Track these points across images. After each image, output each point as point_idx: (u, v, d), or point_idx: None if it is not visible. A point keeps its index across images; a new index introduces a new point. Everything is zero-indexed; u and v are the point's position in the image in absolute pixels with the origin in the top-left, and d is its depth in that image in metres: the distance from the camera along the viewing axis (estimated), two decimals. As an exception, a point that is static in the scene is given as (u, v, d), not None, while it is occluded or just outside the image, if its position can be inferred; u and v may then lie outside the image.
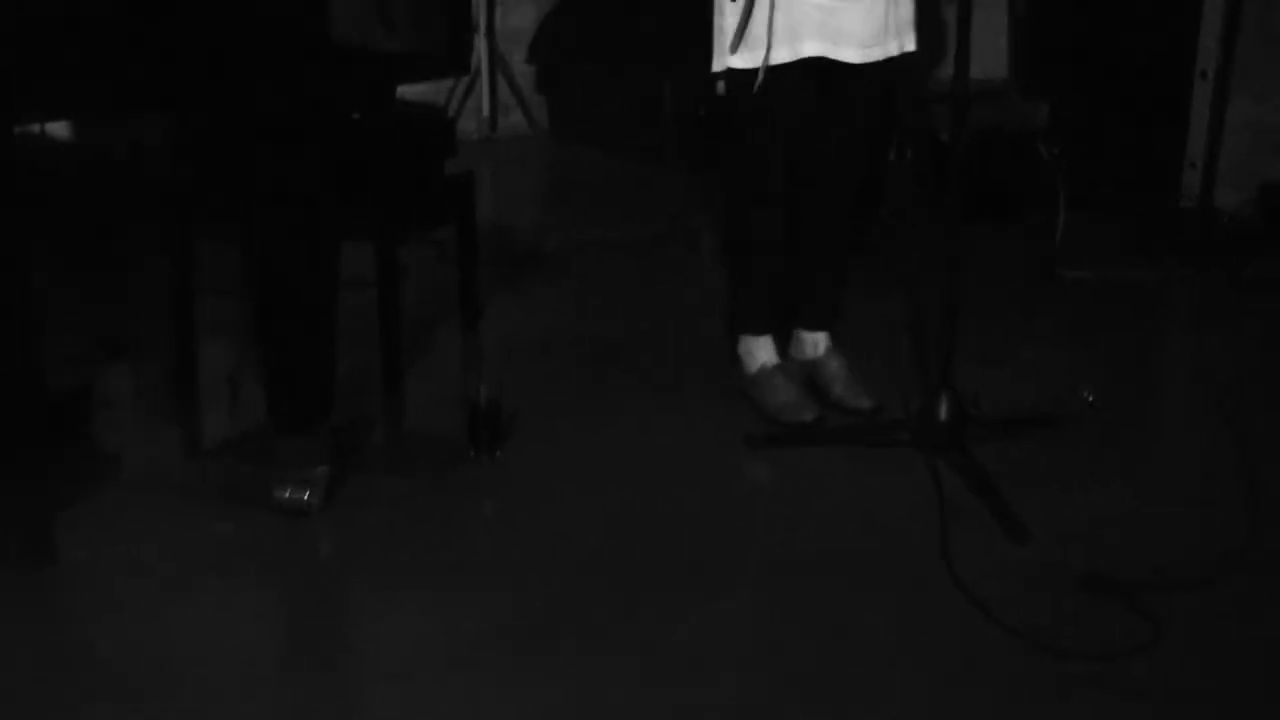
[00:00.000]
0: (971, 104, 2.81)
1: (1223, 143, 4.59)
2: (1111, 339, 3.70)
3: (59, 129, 4.64)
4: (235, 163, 2.57)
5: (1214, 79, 4.59)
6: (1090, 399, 3.15)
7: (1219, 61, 4.61)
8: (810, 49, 2.87)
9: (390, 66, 2.86)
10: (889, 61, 2.97)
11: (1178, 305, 4.08)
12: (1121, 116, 4.76)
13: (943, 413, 2.88)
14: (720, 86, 3.05)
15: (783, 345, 3.21)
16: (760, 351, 3.16)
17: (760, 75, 2.82)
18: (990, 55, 4.41)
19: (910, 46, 2.99)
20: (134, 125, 4.25)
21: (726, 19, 2.87)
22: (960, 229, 2.87)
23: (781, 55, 2.86)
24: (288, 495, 2.64)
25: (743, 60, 2.87)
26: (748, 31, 2.83)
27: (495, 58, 6.06)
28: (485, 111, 6.06)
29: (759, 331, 3.16)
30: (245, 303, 2.79)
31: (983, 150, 4.17)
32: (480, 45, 6.04)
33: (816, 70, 2.90)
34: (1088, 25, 4.86)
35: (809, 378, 3.19)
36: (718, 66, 2.92)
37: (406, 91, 3.40)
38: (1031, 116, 4.41)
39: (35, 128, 4.18)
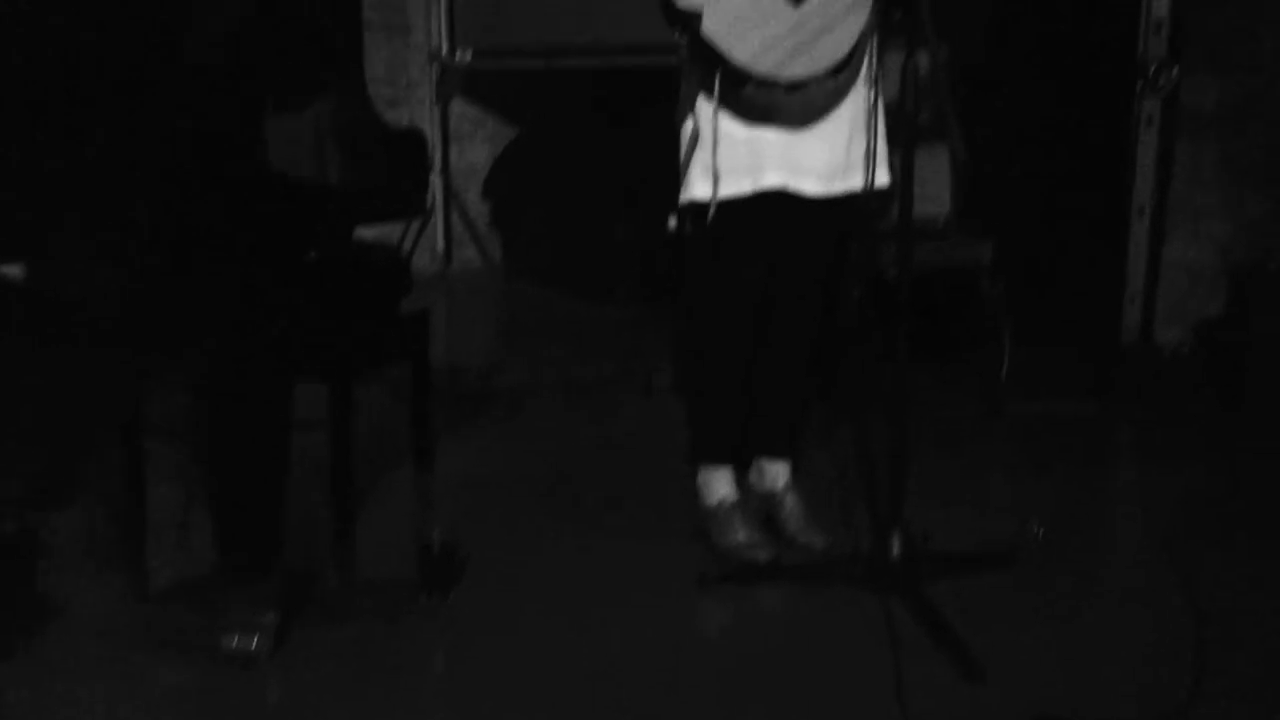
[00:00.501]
0: (916, 242, 2.86)
1: (1161, 280, 4.70)
2: (1059, 474, 3.74)
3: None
4: (184, 302, 2.58)
5: (1150, 217, 4.72)
6: (1040, 533, 3.18)
7: (1155, 200, 4.74)
8: (771, 180, 2.89)
9: (344, 207, 2.88)
10: (851, 197, 3.00)
11: (1122, 441, 4.14)
12: (1063, 254, 4.87)
13: (894, 550, 2.90)
14: (672, 223, 3.09)
15: (742, 475, 3.22)
16: (718, 484, 3.17)
17: (712, 207, 2.85)
18: (933, 194, 4.51)
19: (883, 179, 3.01)
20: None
21: (690, 151, 2.90)
22: (907, 366, 2.91)
23: (743, 186, 2.89)
24: (235, 643, 2.61)
25: (705, 191, 2.89)
26: (710, 163, 2.86)
27: (450, 194, 6.14)
28: (439, 247, 6.11)
29: (717, 462, 3.17)
30: (194, 445, 2.77)
31: (927, 288, 4.24)
32: (435, 181, 6.12)
33: (778, 202, 2.93)
34: (1028, 164, 4.99)
35: (766, 513, 3.20)
36: (683, 199, 2.95)
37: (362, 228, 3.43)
38: (975, 254, 4.49)
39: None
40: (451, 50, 6.04)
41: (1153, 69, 4.67)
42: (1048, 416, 4.14)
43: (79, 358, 3.90)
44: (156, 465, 3.24)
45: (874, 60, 2.91)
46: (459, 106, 6.28)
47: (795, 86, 2.72)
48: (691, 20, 2.68)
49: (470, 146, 6.32)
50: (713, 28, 2.67)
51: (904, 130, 2.80)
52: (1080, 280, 4.82)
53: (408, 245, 4.12)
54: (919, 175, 2.91)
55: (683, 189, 2.91)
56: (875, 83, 2.91)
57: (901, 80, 2.74)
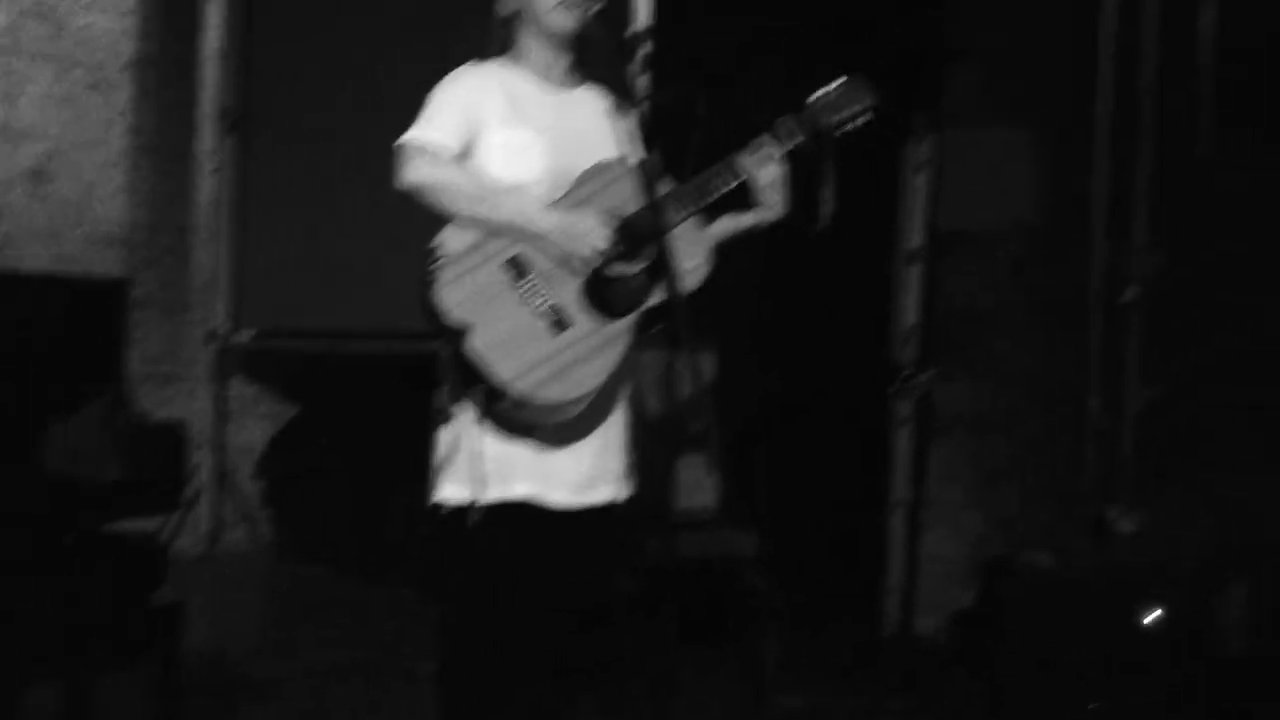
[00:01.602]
0: (682, 533, 2.92)
1: (919, 572, 4.89)
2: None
3: None
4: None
5: (907, 512, 4.94)
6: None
7: (911, 496, 4.97)
8: (520, 490, 2.93)
9: (92, 501, 2.82)
10: (603, 507, 3.03)
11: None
12: (827, 546, 5.03)
13: None
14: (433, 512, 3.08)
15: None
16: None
17: (471, 514, 2.86)
18: (702, 485, 4.63)
19: (624, 494, 3.06)
20: None
21: (440, 451, 2.93)
22: (673, 657, 2.93)
23: (492, 494, 2.91)
24: None
25: (454, 495, 2.89)
26: (462, 468, 2.88)
27: (222, 473, 6.04)
28: (206, 529, 5.96)
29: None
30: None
31: (694, 579, 4.32)
32: (207, 460, 6.02)
33: (529, 512, 2.96)
34: (792, 458, 5.19)
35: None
36: (433, 499, 2.95)
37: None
38: (740, 545, 4.60)
39: None
40: (232, 329, 6.04)
41: (906, 372, 4.98)
42: (813, 708, 4.19)
43: None
44: None
45: (630, 380, 3.02)
46: (237, 385, 6.24)
47: (551, 407, 2.81)
48: (456, 335, 2.75)
49: (247, 425, 6.26)
50: (477, 346, 2.75)
51: (665, 437, 2.90)
52: (843, 571, 4.97)
53: (165, 535, 4.06)
54: (685, 471, 3.01)
55: (433, 490, 2.93)
56: (630, 399, 3.02)
57: (661, 390, 2.85)
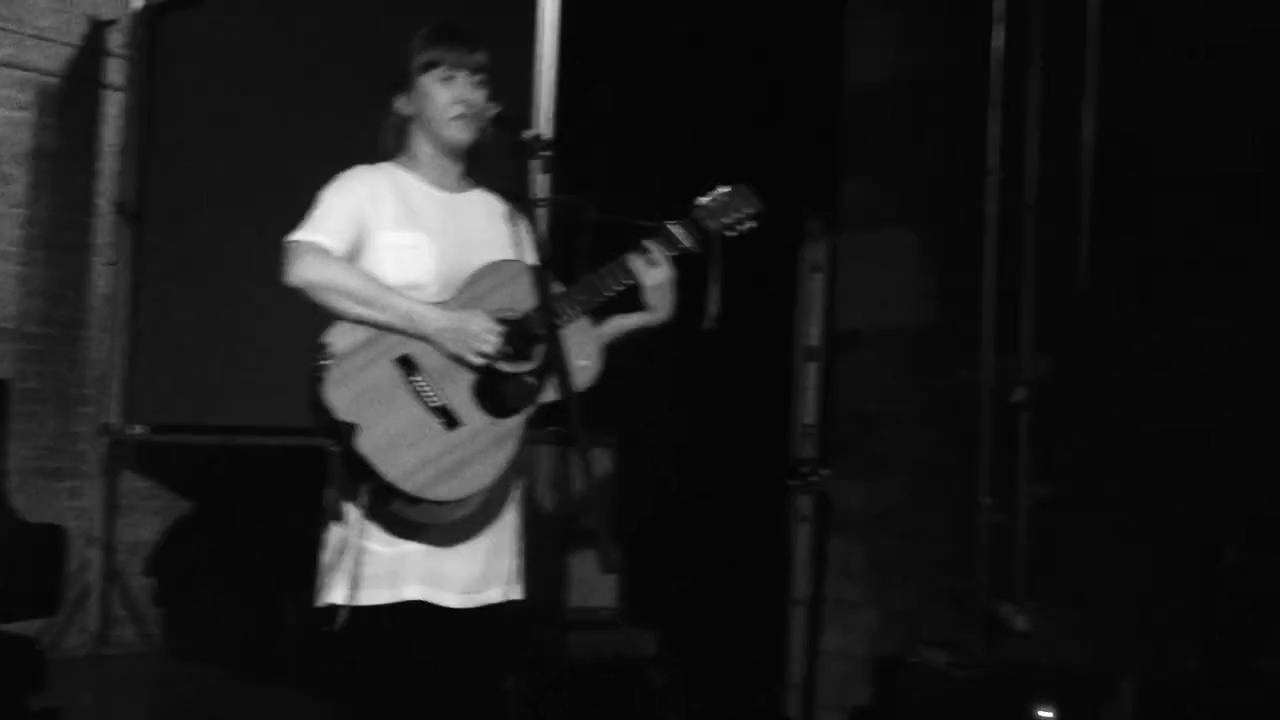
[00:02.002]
0: (579, 632, 2.89)
1: (819, 669, 4.89)
2: None
3: None
4: None
5: (807, 608, 4.94)
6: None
7: (811, 593, 4.98)
8: (410, 592, 2.89)
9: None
10: (495, 608, 3.00)
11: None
12: (728, 643, 5.02)
13: None
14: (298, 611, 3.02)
15: None
16: None
17: (343, 614, 2.80)
18: (599, 583, 4.61)
19: (516, 595, 3.03)
20: None
21: (328, 552, 2.88)
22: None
23: (380, 596, 2.87)
24: None
25: (342, 597, 2.83)
26: (351, 570, 2.84)
27: (111, 571, 5.90)
28: (95, 626, 5.81)
29: None
30: None
31: (593, 677, 4.28)
32: (96, 556, 5.89)
33: (420, 613, 2.92)
34: (693, 558, 5.19)
35: None
36: (320, 602, 2.90)
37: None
38: (640, 644, 4.58)
39: None
40: (125, 424, 5.94)
41: (803, 469, 5.01)
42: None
43: None
44: None
45: (522, 479, 3.02)
46: (128, 480, 6.13)
47: (442, 506, 2.79)
48: (345, 433, 2.73)
49: (139, 521, 6.13)
50: (365, 446, 2.72)
51: (560, 535, 2.89)
52: (744, 668, 4.96)
53: (48, 638, 3.95)
54: (581, 569, 3.00)
55: (320, 592, 2.88)
56: (521, 499, 3.01)
57: (555, 489, 2.85)
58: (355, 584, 2.82)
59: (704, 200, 2.98)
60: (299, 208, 2.87)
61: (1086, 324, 4.28)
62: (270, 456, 5.34)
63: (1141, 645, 4.14)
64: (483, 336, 2.80)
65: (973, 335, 4.36)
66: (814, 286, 5.09)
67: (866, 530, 4.96)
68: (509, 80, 3.27)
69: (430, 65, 2.91)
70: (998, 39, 4.37)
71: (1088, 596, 4.28)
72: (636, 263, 2.88)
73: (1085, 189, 4.20)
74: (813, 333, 5.10)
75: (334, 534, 2.87)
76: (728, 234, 2.97)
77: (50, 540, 2.92)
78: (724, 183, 2.98)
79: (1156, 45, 4.23)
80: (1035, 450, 4.26)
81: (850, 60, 5.05)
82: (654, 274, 2.89)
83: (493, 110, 2.88)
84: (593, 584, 4.47)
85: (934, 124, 4.78)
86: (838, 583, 4.98)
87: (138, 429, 5.92)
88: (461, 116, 2.90)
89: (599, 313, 2.89)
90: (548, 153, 2.89)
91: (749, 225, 2.99)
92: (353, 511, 2.84)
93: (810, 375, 5.10)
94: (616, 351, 2.95)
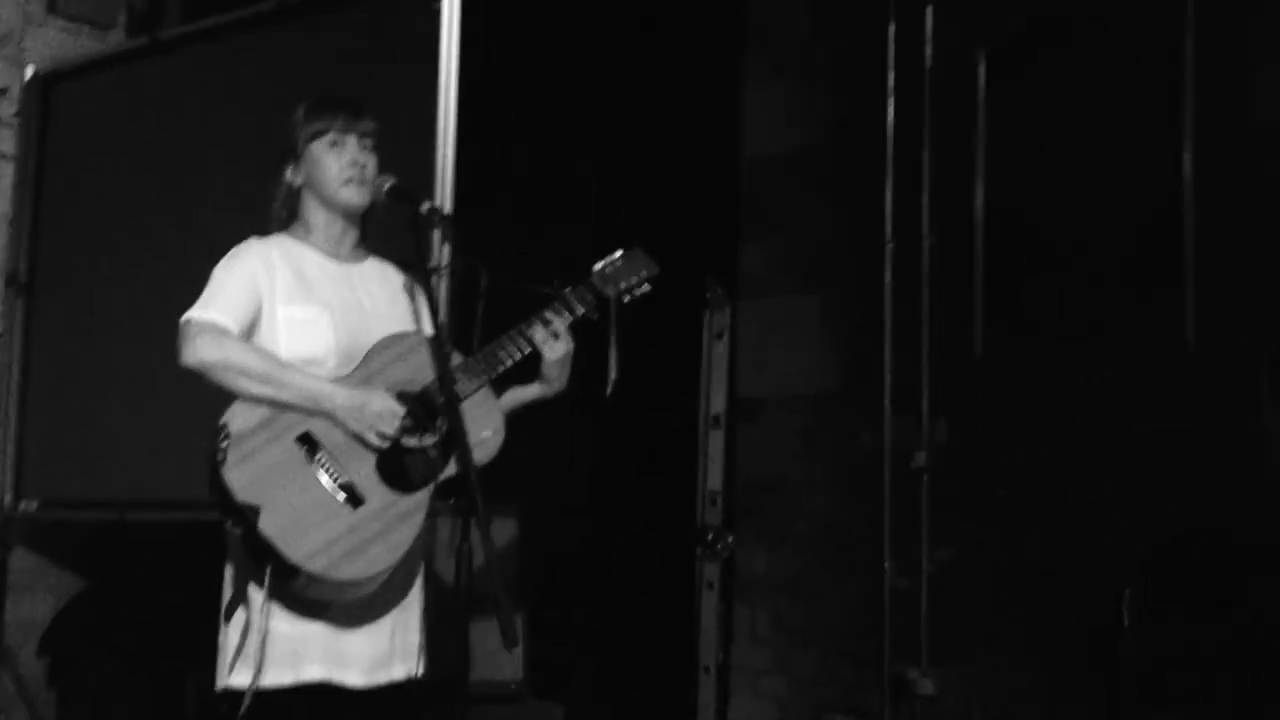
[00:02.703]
0: (485, 705, 2.85)
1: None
2: None
3: None
4: None
5: (715, 675, 4.93)
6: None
7: (719, 659, 4.97)
8: (313, 672, 2.82)
9: None
10: (398, 686, 2.94)
11: None
12: (636, 714, 4.98)
13: None
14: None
15: None
16: None
17: (247, 698, 2.74)
18: (504, 657, 4.55)
19: (419, 671, 2.98)
20: None
21: (229, 634, 2.81)
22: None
23: (283, 677, 2.80)
24: None
25: (243, 680, 2.76)
26: (253, 652, 2.76)
27: (1, 651, 5.72)
28: (-19, 712, 5.62)
29: None
30: None
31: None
32: (-17, 639, 5.71)
33: (323, 694, 2.85)
34: (597, 626, 5.16)
35: None
36: (220, 685, 2.83)
37: None
38: (547, 717, 4.52)
39: None
40: (15, 499, 5.78)
41: (710, 536, 5.02)
42: None
43: None
44: None
45: (425, 554, 2.98)
46: (19, 557, 5.95)
47: (346, 586, 2.74)
48: (247, 514, 2.67)
49: (29, 599, 5.95)
50: (267, 527, 2.67)
51: (459, 609, 2.84)
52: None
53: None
54: (485, 643, 2.95)
55: (222, 674, 2.81)
56: (424, 574, 2.98)
57: (455, 563, 2.80)
58: (258, 666, 2.75)
59: (599, 266, 2.98)
60: (193, 279, 2.83)
61: (982, 389, 4.35)
62: (166, 532, 5.23)
63: (1044, 708, 4.18)
64: (385, 417, 2.76)
65: (873, 401, 4.41)
66: (718, 352, 5.12)
67: (772, 596, 4.97)
68: (407, 144, 3.26)
69: (318, 134, 2.89)
70: (889, 112, 4.46)
71: (991, 660, 4.30)
72: (538, 333, 2.88)
73: (978, 260, 4.28)
74: (717, 399, 5.12)
75: (235, 616, 2.81)
76: (625, 299, 2.97)
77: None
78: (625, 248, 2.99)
79: (1042, 121, 4.34)
80: (936, 514, 4.30)
81: (749, 129, 5.13)
82: (555, 346, 2.88)
83: (389, 182, 2.87)
84: (497, 657, 4.41)
85: (830, 192, 4.86)
86: (744, 649, 4.97)
87: (29, 504, 5.76)
88: (352, 180, 2.88)
89: (499, 382, 2.87)
90: (445, 223, 2.87)
91: (645, 289, 3.00)
92: (254, 593, 2.78)
93: (715, 441, 5.12)
94: (519, 420, 2.94)
